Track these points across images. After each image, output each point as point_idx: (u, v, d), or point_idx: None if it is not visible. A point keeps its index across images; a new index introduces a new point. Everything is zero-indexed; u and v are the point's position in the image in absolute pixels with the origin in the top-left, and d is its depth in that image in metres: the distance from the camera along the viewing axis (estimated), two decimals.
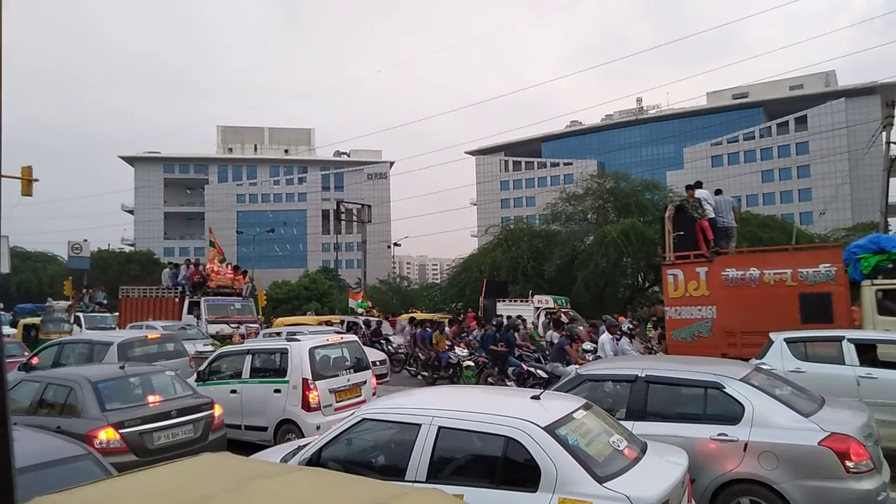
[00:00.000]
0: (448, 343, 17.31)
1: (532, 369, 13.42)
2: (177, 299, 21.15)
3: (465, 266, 37.78)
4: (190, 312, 20.26)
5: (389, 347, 19.90)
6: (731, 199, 14.04)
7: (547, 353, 14.56)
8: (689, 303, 12.16)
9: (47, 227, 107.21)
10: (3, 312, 26.84)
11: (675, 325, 12.37)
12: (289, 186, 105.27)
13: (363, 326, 21.68)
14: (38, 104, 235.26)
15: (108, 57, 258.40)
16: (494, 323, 16.14)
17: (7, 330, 23.59)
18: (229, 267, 23.26)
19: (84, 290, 29.50)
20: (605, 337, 12.18)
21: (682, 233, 12.85)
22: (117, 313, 25.50)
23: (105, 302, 29.41)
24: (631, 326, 14.62)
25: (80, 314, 24.33)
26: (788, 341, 8.98)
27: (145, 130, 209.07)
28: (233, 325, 19.12)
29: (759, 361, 8.91)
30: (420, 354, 17.20)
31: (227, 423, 8.48)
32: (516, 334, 15.39)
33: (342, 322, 21.65)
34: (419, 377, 16.98)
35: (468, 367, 15.26)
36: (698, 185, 13.73)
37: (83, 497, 2.45)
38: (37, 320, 22.00)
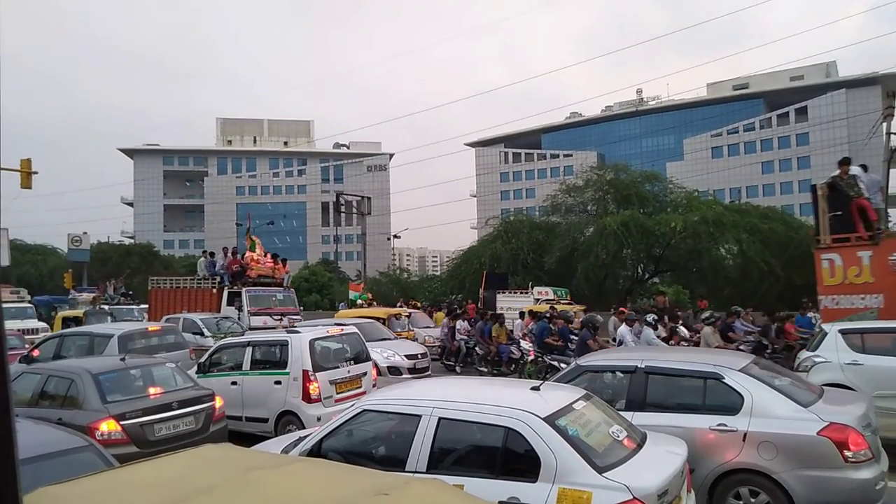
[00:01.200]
0: (515, 336, 16.08)
1: (555, 363, 12.51)
2: (214, 290, 19.84)
3: (464, 258, 37.78)
4: (230, 304, 18.97)
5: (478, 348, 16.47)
6: (878, 178, 12.76)
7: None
8: (849, 291, 11.01)
9: (47, 219, 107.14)
10: (29, 306, 25.66)
11: (832, 316, 10.92)
12: (288, 179, 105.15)
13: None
14: (36, 96, 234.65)
15: (108, 49, 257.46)
16: (548, 315, 15.11)
17: (36, 324, 22.85)
18: (268, 255, 21.81)
19: (108, 282, 28.56)
20: (623, 328, 11.50)
21: (839, 213, 11.51)
22: (142, 305, 24.60)
23: (130, 293, 28.68)
24: (709, 317, 12.79)
25: (105, 306, 23.49)
26: (844, 332, 8.55)
27: (144, 123, 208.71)
28: (276, 317, 18.04)
29: (812, 353, 8.72)
30: (478, 349, 16.06)
31: (228, 415, 8.50)
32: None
33: (409, 315, 20.21)
34: (475, 371, 15.70)
35: (532, 361, 14.04)
36: (848, 161, 12.12)
37: (85, 488, 2.47)
38: (78, 313, 21.24)
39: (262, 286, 19.99)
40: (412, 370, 14.19)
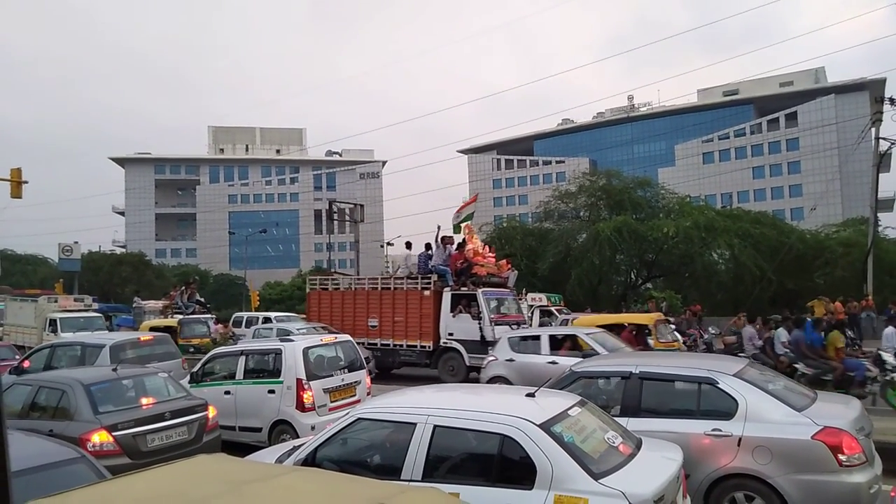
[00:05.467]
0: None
1: None
2: (426, 291, 15.85)
3: None
4: (453, 309, 15.25)
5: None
6: None
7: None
8: None
9: (37, 229, 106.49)
10: (98, 316, 22.41)
11: None
12: (281, 187, 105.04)
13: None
14: (25, 104, 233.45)
15: (101, 57, 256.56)
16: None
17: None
18: (485, 248, 17.21)
19: (181, 288, 25.79)
20: (890, 330, 9.44)
21: None
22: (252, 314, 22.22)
23: (204, 301, 26.11)
24: None
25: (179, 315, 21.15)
26: None
27: (136, 131, 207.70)
28: (513, 327, 14.56)
29: None
30: (803, 368, 11.27)
31: (222, 425, 8.44)
32: None
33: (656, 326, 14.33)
34: None
35: None
36: None
37: (77, 500, 2.44)
38: (172, 322, 19.13)
39: (490, 287, 16.00)
40: None
